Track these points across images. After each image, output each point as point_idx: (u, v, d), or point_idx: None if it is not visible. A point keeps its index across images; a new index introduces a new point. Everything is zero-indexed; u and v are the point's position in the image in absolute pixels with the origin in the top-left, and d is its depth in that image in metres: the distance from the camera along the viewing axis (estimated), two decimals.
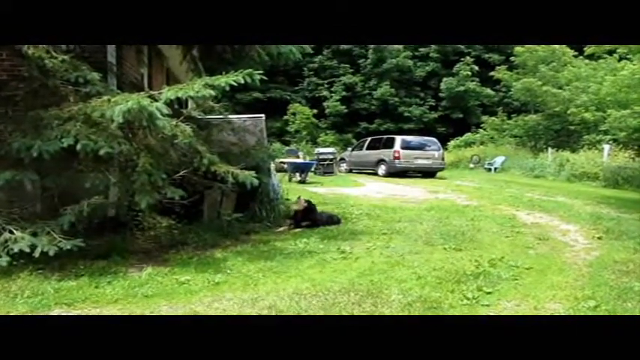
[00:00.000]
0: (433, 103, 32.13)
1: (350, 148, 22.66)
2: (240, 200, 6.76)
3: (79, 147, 4.29)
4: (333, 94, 32.00)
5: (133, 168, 4.72)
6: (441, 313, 3.50)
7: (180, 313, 3.50)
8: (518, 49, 23.72)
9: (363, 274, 4.50)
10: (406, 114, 31.26)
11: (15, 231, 4.32)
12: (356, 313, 3.49)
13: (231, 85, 4.77)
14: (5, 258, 4.18)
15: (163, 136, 4.94)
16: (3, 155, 4.49)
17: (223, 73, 4.91)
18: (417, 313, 3.49)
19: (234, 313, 3.48)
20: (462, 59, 30.90)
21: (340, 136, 30.77)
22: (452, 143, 27.05)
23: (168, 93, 4.71)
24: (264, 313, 3.48)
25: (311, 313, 3.48)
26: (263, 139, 7.79)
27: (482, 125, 27.27)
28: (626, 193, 12.53)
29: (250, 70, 4.86)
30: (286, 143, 26.87)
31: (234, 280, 4.29)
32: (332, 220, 7.07)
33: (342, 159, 21.39)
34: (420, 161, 17.59)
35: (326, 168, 18.27)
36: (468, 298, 3.79)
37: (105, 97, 4.61)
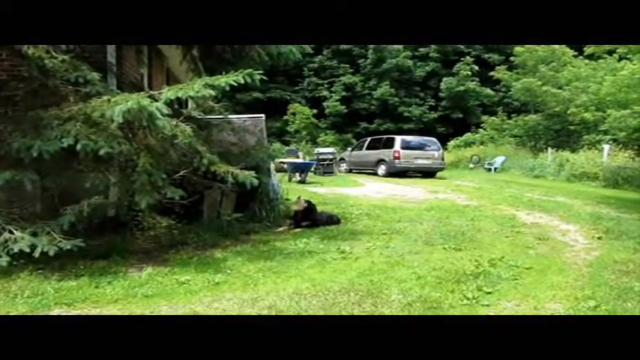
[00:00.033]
0: (433, 103, 32.12)
1: (350, 148, 22.66)
2: (240, 200, 6.76)
3: (79, 147, 4.29)
4: (333, 94, 32.00)
5: (133, 168, 4.72)
6: (441, 313, 3.51)
7: (180, 313, 3.50)
8: (518, 49, 23.72)
9: (363, 274, 4.50)
10: (406, 114, 31.26)
11: (15, 231, 4.32)
12: (356, 313, 3.49)
13: (231, 85, 4.77)
14: (5, 258, 4.18)
15: (163, 136, 4.94)
16: (3, 155, 4.49)
17: (223, 73, 4.91)
18: (417, 313, 3.49)
19: (234, 313, 3.48)
20: (462, 59, 30.88)
21: (340, 136, 30.77)
22: (452, 143, 27.05)
23: (168, 93, 4.71)
24: (264, 313, 3.48)
25: (311, 313, 3.48)
26: (263, 139, 7.79)
27: (482, 125, 27.27)
28: (625, 193, 12.53)
29: (250, 70, 4.86)
30: (286, 143, 26.87)
31: (234, 280, 4.29)
32: (332, 220, 7.07)
33: (341, 159, 21.39)
34: (419, 161, 17.59)
35: (326, 168, 18.27)
36: (468, 298, 3.79)
37: (105, 97, 4.61)
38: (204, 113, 6.67)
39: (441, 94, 31.61)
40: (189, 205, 5.95)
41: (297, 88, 33.06)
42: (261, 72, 4.92)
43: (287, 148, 23.36)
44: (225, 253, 5.27)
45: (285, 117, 29.98)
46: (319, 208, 7.35)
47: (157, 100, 4.56)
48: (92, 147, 4.32)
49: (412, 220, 7.40)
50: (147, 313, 3.52)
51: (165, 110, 4.46)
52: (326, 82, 32.72)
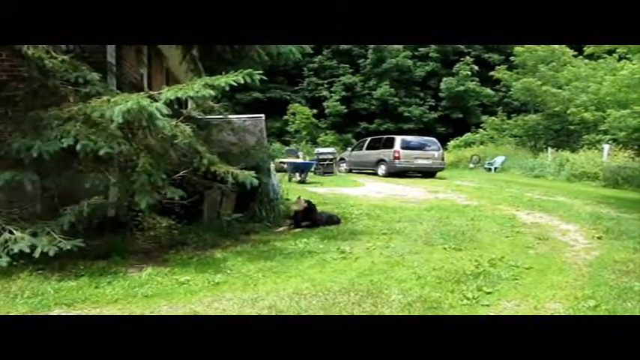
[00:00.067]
0: (433, 103, 32.13)
1: (350, 148, 22.66)
2: (240, 200, 6.76)
3: (78, 147, 4.29)
4: (332, 94, 32.00)
5: (133, 168, 4.72)
6: (441, 313, 3.50)
7: (180, 313, 3.50)
8: (518, 49, 23.72)
9: (363, 274, 4.50)
10: (406, 114, 31.26)
11: (15, 231, 4.32)
12: (356, 313, 3.49)
13: (231, 85, 4.76)
14: (5, 258, 4.18)
15: (163, 137, 4.93)
16: (3, 155, 4.49)
17: (223, 73, 4.91)
18: (417, 313, 3.49)
19: (234, 313, 3.48)
20: (462, 59, 30.89)
21: (340, 136, 30.77)
22: (452, 143, 27.05)
23: (168, 93, 4.71)
24: (264, 313, 3.48)
25: (311, 313, 3.48)
26: (263, 139, 7.79)
27: (482, 125, 27.27)
28: (625, 193, 12.54)
29: (250, 70, 4.86)
30: (286, 143, 26.87)
31: (234, 280, 4.29)
32: (332, 220, 7.07)
33: (341, 159, 21.39)
34: (419, 161, 17.59)
35: (326, 168, 18.27)
36: (468, 298, 3.79)
37: (105, 98, 4.60)
38: (204, 113, 6.67)
39: (440, 94, 31.61)
40: (189, 205, 5.95)
41: (297, 88, 33.07)
42: (261, 72, 4.92)
43: (287, 148, 23.36)
44: (225, 253, 5.27)
45: (285, 117, 29.98)
46: (319, 208, 7.35)
47: (156, 101, 4.56)
48: (92, 147, 4.32)
49: (412, 220, 7.40)
50: (147, 313, 3.52)
51: (165, 110, 4.45)
52: (326, 82, 32.73)
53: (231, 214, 6.52)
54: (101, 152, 4.35)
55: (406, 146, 17.74)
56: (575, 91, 20.25)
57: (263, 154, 6.82)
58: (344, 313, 3.48)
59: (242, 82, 4.81)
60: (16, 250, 4.18)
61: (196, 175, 5.54)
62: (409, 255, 5.22)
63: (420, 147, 18.14)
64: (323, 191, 11.70)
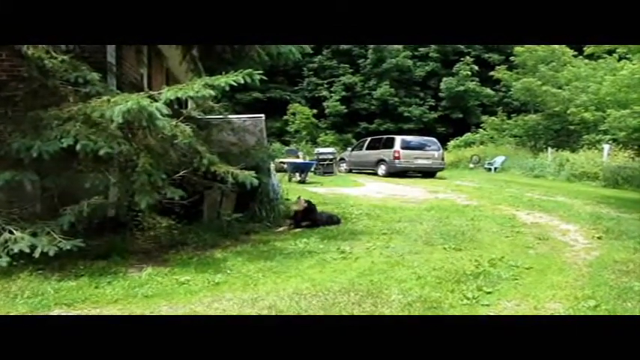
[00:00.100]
0: (433, 103, 32.13)
1: (350, 148, 22.66)
2: (240, 200, 6.76)
3: (78, 147, 4.29)
4: (332, 94, 32.00)
5: (133, 168, 4.72)
6: (441, 313, 3.50)
7: (180, 313, 3.50)
8: (518, 49, 23.72)
9: (363, 274, 4.50)
10: (406, 114, 31.26)
11: (15, 231, 4.32)
12: (356, 313, 3.49)
13: (230, 85, 4.76)
14: (5, 258, 4.18)
15: (163, 137, 4.93)
16: (3, 155, 4.49)
17: (223, 73, 4.91)
18: (417, 313, 3.49)
19: (234, 313, 3.48)
20: (462, 59, 30.89)
21: (340, 136, 30.77)
22: (452, 143, 27.05)
23: (168, 93, 4.71)
24: (264, 313, 3.48)
25: (311, 313, 3.48)
26: (263, 139, 7.79)
27: (482, 125, 27.27)
28: (625, 193, 12.54)
29: (250, 70, 4.86)
30: (286, 143, 26.87)
31: (234, 280, 4.29)
32: (332, 220, 7.07)
33: (341, 159, 21.39)
34: (419, 161, 17.59)
35: (326, 168, 18.27)
36: (468, 298, 3.79)
37: (104, 98, 4.60)
38: (204, 113, 6.67)
39: (440, 94, 31.61)
40: (189, 206, 5.95)
41: (297, 88, 33.07)
42: (261, 72, 4.92)
43: (287, 148, 23.36)
44: (225, 253, 5.27)
45: (285, 117, 29.98)
46: (319, 208, 7.35)
47: (156, 101, 4.56)
48: (92, 147, 4.32)
49: (412, 220, 7.40)
50: (147, 313, 3.52)
51: (165, 110, 4.45)
52: (326, 82, 32.73)
53: (231, 214, 6.52)
54: (101, 152, 4.35)
55: (406, 146, 17.74)
56: (575, 91, 20.26)
57: (263, 154, 6.82)
58: (344, 313, 3.48)
59: (242, 82, 4.81)
60: (16, 250, 4.18)
61: (196, 175, 5.54)
62: (409, 255, 5.22)
63: (420, 147, 18.14)
64: (323, 191, 11.70)
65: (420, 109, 31.68)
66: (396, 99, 31.43)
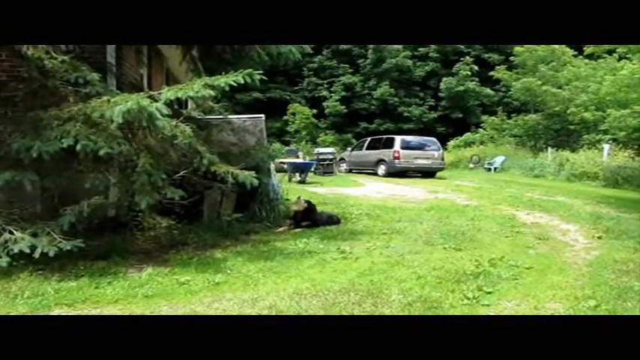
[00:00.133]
0: (433, 103, 32.13)
1: (350, 148, 22.66)
2: (240, 200, 6.76)
3: (78, 147, 4.29)
4: (332, 94, 32.00)
5: (133, 168, 4.72)
6: (441, 313, 3.50)
7: (180, 313, 3.50)
8: (517, 48, 23.73)
9: (363, 274, 4.50)
10: (406, 114, 31.26)
11: (15, 231, 4.32)
12: (356, 313, 3.49)
13: (230, 85, 4.76)
14: (5, 259, 4.17)
15: (163, 137, 4.93)
16: (3, 156, 4.49)
17: (223, 73, 4.90)
18: (417, 313, 3.49)
19: (234, 313, 3.48)
20: (462, 59, 30.89)
21: (340, 136, 30.77)
22: (451, 143, 27.05)
23: (168, 93, 4.71)
24: (265, 313, 3.48)
25: (311, 313, 3.48)
26: (263, 139, 7.79)
27: (482, 125, 27.27)
28: (625, 193, 12.54)
29: (250, 70, 4.86)
30: (286, 143, 26.87)
31: (234, 281, 4.29)
32: (332, 220, 7.07)
33: (341, 159, 21.39)
34: (419, 161, 17.59)
35: (326, 168, 18.27)
36: (468, 298, 3.79)
37: (104, 98, 4.60)
38: (204, 113, 6.67)
39: (440, 94, 31.61)
40: (189, 206, 5.95)
41: (296, 88, 33.07)
42: (260, 72, 4.92)
43: (287, 148, 23.36)
44: (226, 254, 5.27)
45: (285, 117, 29.98)
46: (319, 208, 7.35)
47: (156, 101, 4.56)
48: (92, 147, 4.32)
49: (412, 220, 7.40)
50: (147, 313, 3.52)
51: (165, 110, 4.45)
52: (326, 82, 32.73)
53: (231, 214, 6.52)
54: (101, 152, 4.35)
55: (406, 146, 17.74)
56: (575, 91, 20.26)
57: (263, 154, 6.82)
58: (344, 313, 3.48)
59: (242, 82, 4.81)
60: (16, 251, 4.18)
61: (196, 175, 5.54)
62: (409, 255, 5.22)
63: (420, 147, 18.14)
64: (323, 191, 11.70)
65: (420, 109, 31.68)
66: (396, 99, 31.43)
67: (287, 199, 8.21)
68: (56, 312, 3.52)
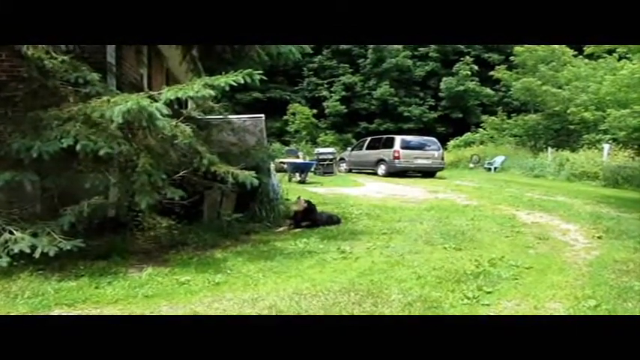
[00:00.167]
0: (433, 103, 32.12)
1: (350, 148, 22.66)
2: (240, 200, 6.76)
3: (78, 147, 4.29)
4: (332, 94, 32.00)
5: (133, 168, 4.72)
6: (441, 313, 3.50)
7: (180, 313, 3.50)
8: (517, 48, 23.73)
9: (363, 274, 4.50)
10: (406, 114, 31.26)
11: (15, 231, 4.32)
12: (356, 313, 3.49)
13: (230, 85, 4.76)
14: (5, 258, 4.18)
15: (163, 137, 4.93)
16: (3, 156, 4.48)
17: (223, 73, 4.90)
18: (417, 313, 3.49)
19: (234, 313, 3.48)
20: (462, 59, 30.88)
21: (340, 136, 30.77)
22: (451, 143, 27.05)
23: (168, 93, 4.71)
24: (265, 313, 3.48)
25: (311, 313, 3.48)
26: (263, 139, 7.79)
27: (481, 125, 27.27)
28: (625, 193, 12.54)
29: (250, 70, 4.86)
30: (286, 143, 26.86)
31: (235, 280, 4.29)
32: (332, 220, 7.07)
33: (341, 159, 21.39)
34: (419, 161, 17.60)
35: (326, 168, 18.27)
36: (468, 298, 3.79)
37: (104, 98, 4.60)
38: (204, 113, 6.67)
39: (440, 94, 31.61)
40: (189, 206, 5.95)
41: (296, 88, 33.06)
42: (260, 72, 4.92)
43: (287, 148, 23.35)
44: (226, 254, 5.27)
45: (285, 117, 29.98)
46: (319, 208, 7.35)
47: (156, 101, 4.56)
48: (92, 147, 4.32)
49: (412, 220, 7.40)
50: (147, 313, 3.52)
51: (165, 110, 4.45)
52: (326, 82, 32.73)
53: (231, 214, 6.52)
54: (101, 152, 4.35)
55: (406, 146, 17.75)
56: (575, 91, 20.27)
57: (263, 154, 6.82)
58: (344, 313, 3.48)
59: (242, 82, 4.81)
60: (16, 251, 4.18)
61: (196, 175, 5.54)
62: (409, 255, 5.22)
63: (420, 147, 18.15)
64: (323, 191, 11.70)
65: (420, 108, 31.68)
66: (396, 99, 31.42)
67: (287, 199, 8.21)
68: (56, 312, 3.52)
